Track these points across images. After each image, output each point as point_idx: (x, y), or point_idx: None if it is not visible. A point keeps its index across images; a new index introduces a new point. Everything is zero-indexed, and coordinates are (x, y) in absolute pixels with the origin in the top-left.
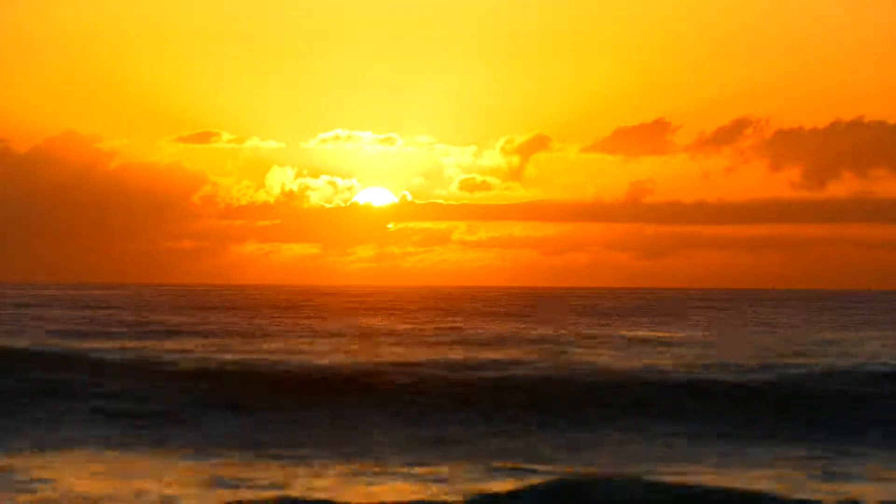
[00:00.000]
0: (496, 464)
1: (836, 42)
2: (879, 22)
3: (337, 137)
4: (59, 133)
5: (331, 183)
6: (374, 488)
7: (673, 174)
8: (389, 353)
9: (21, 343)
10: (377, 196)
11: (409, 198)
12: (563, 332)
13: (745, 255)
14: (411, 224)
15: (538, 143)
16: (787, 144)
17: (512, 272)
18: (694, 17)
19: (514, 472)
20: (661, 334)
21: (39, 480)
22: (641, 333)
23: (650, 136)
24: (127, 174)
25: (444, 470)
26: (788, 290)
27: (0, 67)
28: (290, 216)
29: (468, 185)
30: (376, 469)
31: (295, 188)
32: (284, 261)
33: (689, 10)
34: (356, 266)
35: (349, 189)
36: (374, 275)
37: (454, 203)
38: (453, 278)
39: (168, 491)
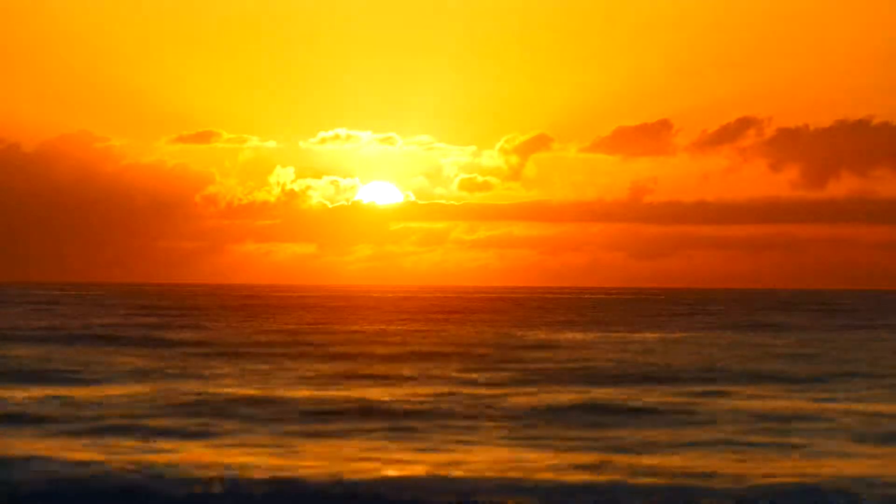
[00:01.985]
0: None
1: (844, 43)
2: (890, 23)
3: (337, 137)
4: (60, 134)
5: (332, 183)
6: None
7: (673, 174)
8: None
9: None
10: (380, 196)
11: (413, 198)
12: None
13: (745, 256)
14: (412, 224)
15: (538, 143)
16: (789, 144)
17: (512, 272)
18: (697, 17)
19: None
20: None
21: None
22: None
23: (651, 136)
24: (129, 174)
25: None
26: (792, 292)
27: (5, 70)
28: (290, 216)
29: (468, 185)
30: None
31: (295, 188)
32: (285, 261)
33: (691, 10)
34: (357, 266)
35: (350, 189)
36: (375, 274)
37: (455, 203)
38: (453, 278)
39: None
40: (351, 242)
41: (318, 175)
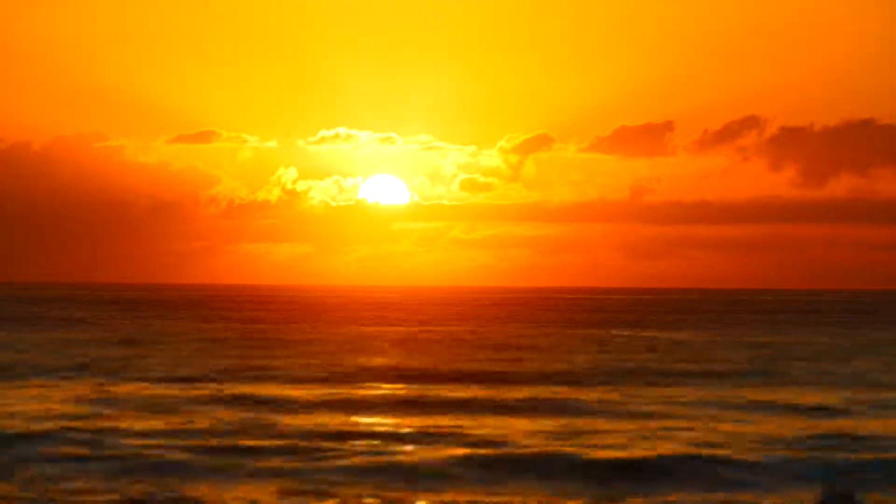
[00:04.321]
0: None
1: (850, 44)
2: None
3: (337, 136)
4: (60, 135)
5: (334, 182)
6: None
7: (673, 174)
8: None
9: None
10: (386, 196)
11: (416, 198)
12: None
13: (745, 256)
14: (414, 224)
15: (538, 143)
16: (791, 144)
17: (511, 272)
18: (700, 18)
19: None
20: None
21: None
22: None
23: (652, 136)
24: (129, 175)
25: None
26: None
27: (8, 70)
28: (291, 216)
29: (468, 185)
30: None
31: (296, 188)
32: (286, 261)
33: (693, 11)
34: (357, 265)
35: (351, 189)
36: (374, 274)
37: (456, 203)
38: (452, 279)
39: None
40: (351, 242)
41: (318, 175)
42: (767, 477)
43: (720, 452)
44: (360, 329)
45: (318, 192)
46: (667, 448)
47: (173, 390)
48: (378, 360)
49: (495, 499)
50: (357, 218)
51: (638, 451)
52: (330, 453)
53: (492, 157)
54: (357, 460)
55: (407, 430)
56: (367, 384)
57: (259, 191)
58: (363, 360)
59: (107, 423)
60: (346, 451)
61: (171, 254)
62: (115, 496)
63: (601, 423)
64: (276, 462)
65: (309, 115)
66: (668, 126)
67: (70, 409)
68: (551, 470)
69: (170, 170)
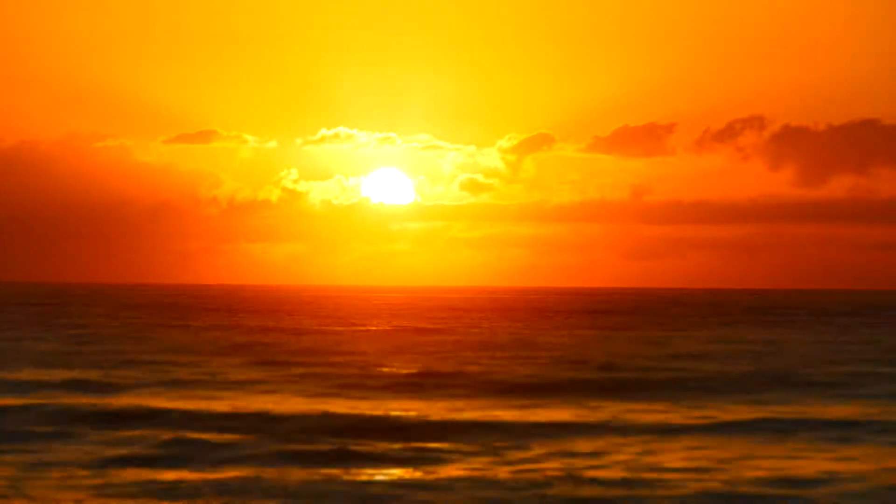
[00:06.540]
0: None
1: (853, 45)
2: None
3: (337, 136)
4: (60, 135)
5: (335, 182)
6: None
7: (673, 174)
8: None
9: None
10: (386, 196)
11: (419, 199)
12: None
13: (744, 256)
14: (413, 224)
15: (538, 143)
16: (791, 144)
17: (510, 272)
18: (702, 19)
19: None
20: None
21: None
22: None
23: (652, 136)
24: (129, 174)
25: None
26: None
27: (9, 70)
28: (290, 216)
29: (468, 185)
30: None
31: (296, 188)
32: (286, 260)
33: (698, 10)
34: (358, 265)
35: (352, 188)
36: (374, 274)
37: (456, 203)
38: (451, 279)
39: None
40: (350, 241)
41: (318, 175)
42: None
43: None
44: None
45: (319, 192)
46: None
47: None
48: None
49: None
50: (356, 218)
51: None
52: None
53: (491, 157)
54: None
55: None
56: None
57: (259, 191)
58: None
59: None
60: None
61: (171, 254)
62: None
63: None
64: None
65: (309, 115)
66: (671, 128)
67: None
68: None
69: (170, 170)
